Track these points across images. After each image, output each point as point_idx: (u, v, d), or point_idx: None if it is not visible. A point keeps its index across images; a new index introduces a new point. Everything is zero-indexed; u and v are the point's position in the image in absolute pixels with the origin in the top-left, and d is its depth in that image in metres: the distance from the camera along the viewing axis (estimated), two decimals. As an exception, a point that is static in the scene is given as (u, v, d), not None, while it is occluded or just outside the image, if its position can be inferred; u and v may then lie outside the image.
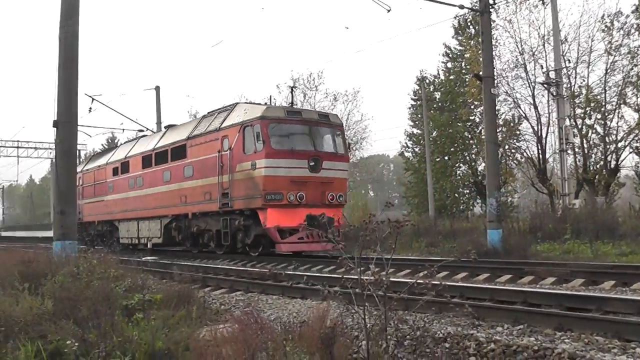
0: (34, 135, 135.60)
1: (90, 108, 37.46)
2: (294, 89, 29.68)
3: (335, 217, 19.57)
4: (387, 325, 5.59)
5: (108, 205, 30.30)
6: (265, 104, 22.55)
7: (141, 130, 40.90)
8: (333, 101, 43.79)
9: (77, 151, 18.09)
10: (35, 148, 59.26)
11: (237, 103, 22.97)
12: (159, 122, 41.56)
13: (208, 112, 24.16)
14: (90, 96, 37.18)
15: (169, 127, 27.80)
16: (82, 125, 19.18)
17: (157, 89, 41.41)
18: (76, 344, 5.76)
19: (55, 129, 16.01)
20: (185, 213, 23.06)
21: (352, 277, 5.85)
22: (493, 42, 25.12)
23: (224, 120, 21.40)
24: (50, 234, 44.37)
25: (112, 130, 49.58)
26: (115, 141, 74.29)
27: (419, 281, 6.14)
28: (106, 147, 67.33)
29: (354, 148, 44.12)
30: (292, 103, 25.53)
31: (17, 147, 58.00)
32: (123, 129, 42.61)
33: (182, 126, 25.81)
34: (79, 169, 32.97)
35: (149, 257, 19.64)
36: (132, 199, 27.31)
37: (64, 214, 15.29)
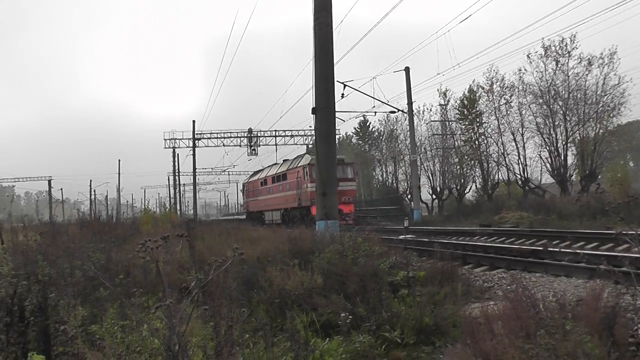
0: (289, 123, 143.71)
1: (343, 94, 39.06)
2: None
3: (347, 209, 36.51)
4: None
5: (259, 202, 51.68)
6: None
7: (392, 112, 41.91)
8: (587, 66, 40.80)
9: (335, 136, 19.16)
10: (292, 135, 62.83)
11: (305, 154, 42.76)
12: (409, 103, 42.04)
13: (295, 157, 44.43)
14: (341, 82, 38.72)
15: (284, 161, 47.82)
16: (336, 111, 19.88)
17: (407, 69, 41.88)
18: (350, 316, 5.99)
19: (313, 115, 16.82)
20: (287, 207, 42.03)
21: (633, 255, 5.41)
22: None
23: (298, 163, 40.78)
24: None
25: (363, 114, 50.94)
26: (367, 124, 77.45)
27: None
28: (359, 130, 72.81)
29: (610, 115, 40.72)
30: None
31: (275, 136, 61.92)
32: (375, 112, 43.75)
33: (286, 162, 46.24)
34: (244, 181, 63.95)
35: (407, 236, 19.97)
36: (270, 199, 47.68)
37: (325, 196, 16.07)
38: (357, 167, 45.32)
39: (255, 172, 57.89)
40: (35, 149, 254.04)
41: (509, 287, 9.88)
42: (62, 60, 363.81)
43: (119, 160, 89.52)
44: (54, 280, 6.96)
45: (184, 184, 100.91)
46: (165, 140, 62.22)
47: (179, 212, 69.26)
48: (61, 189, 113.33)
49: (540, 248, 14.27)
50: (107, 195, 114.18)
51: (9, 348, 4.14)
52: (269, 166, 52.99)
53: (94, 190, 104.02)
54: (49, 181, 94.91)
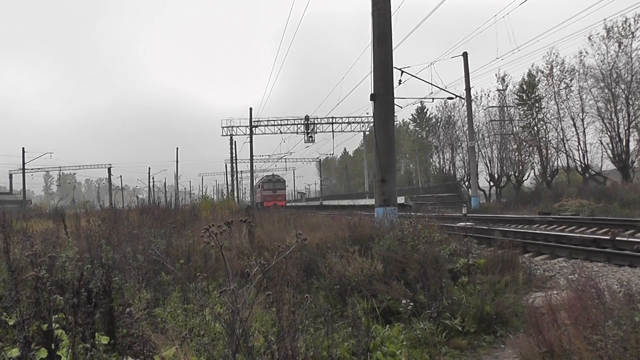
0: (346, 110, 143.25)
1: (400, 80, 38.77)
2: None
3: (281, 204, 72.38)
4: None
5: (260, 197, 77.33)
6: (272, 175, 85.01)
7: (450, 98, 41.45)
8: (652, 47, 39.74)
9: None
10: (348, 122, 62.90)
11: (265, 175, 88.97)
12: (467, 89, 41.49)
13: (262, 176, 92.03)
14: (399, 69, 38.43)
15: (265, 177, 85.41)
16: (394, 97, 19.69)
17: (465, 55, 41.32)
18: (411, 303, 5.97)
19: (371, 102, 16.71)
20: (260, 202, 73.00)
21: None
22: None
23: (260, 179, 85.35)
24: (364, 202, 50.17)
25: (421, 100, 50.48)
26: (424, 110, 77.35)
27: None
28: (416, 117, 77.43)
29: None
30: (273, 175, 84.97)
31: (332, 123, 62.06)
32: (432, 98, 43.17)
33: (261, 179, 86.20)
34: (255, 184, 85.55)
35: (466, 223, 19.75)
36: (262, 196, 76.55)
37: (384, 182, 15.94)
38: (285, 182, 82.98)
39: (260, 180, 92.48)
40: (97, 138, 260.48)
41: (571, 277, 9.72)
42: (130, 49, 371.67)
43: (177, 148, 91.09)
44: (118, 264, 7.15)
45: (241, 171, 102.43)
46: (222, 127, 63.21)
47: (236, 199, 70.40)
48: (120, 176, 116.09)
49: (606, 237, 13.97)
50: (165, 183, 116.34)
51: (76, 328, 4.27)
52: (262, 177, 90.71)
53: (153, 178, 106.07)
54: (109, 169, 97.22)
